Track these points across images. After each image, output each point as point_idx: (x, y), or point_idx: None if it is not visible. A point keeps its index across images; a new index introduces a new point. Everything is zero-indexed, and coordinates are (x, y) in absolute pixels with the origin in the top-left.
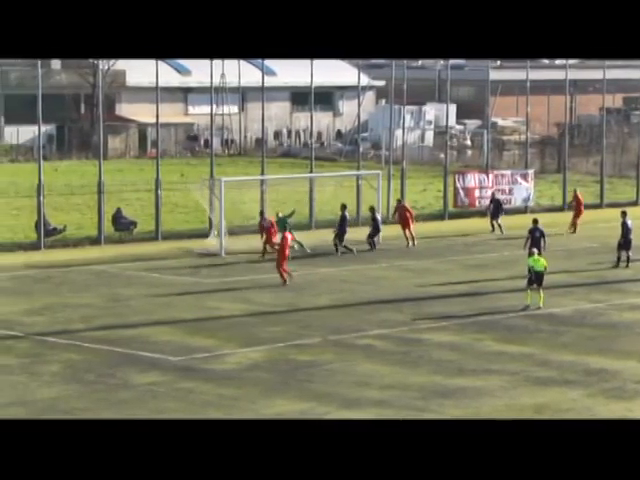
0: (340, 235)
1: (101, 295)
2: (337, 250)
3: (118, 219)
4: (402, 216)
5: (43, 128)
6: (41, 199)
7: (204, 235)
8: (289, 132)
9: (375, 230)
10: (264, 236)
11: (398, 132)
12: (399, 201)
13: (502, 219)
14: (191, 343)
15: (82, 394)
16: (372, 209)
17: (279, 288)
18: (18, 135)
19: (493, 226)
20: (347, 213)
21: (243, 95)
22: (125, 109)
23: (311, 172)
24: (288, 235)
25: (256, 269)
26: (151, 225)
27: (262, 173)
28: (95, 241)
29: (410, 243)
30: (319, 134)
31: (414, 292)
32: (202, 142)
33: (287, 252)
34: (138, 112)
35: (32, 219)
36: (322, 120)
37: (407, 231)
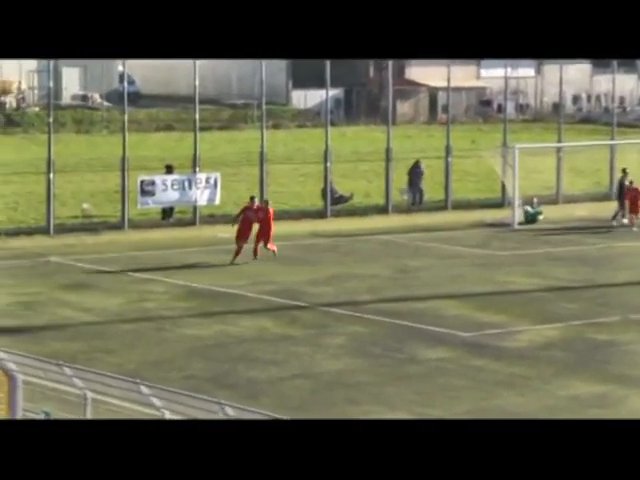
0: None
1: (388, 266)
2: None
3: (416, 173)
4: (634, 200)
5: (331, 92)
6: (328, 165)
7: (496, 205)
8: (589, 96)
9: None
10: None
11: None
12: (631, 183)
13: None
14: (481, 318)
15: (368, 368)
16: None
17: (574, 262)
18: (306, 99)
19: None
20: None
21: None
22: (415, 73)
23: (612, 139)
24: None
25: (551, 241)
26: (440, 194)
27: (559, 140)
28: (382, 210)
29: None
30: (621, 99)
31: None
32: (495, 107)
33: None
34: (428, 76)
35: (318, 186)
36: (625, 84)
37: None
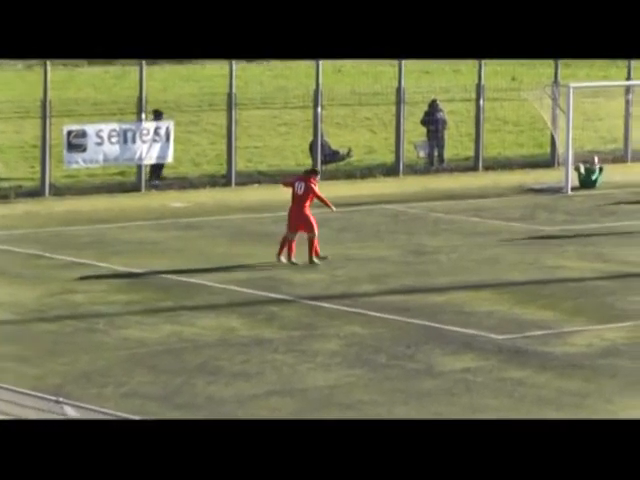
0: None
1: (398, 245)
2: None
3: (435, 120)
4: None
5: None
6: (318, 111)
7: (544, 164)
8: None
9: None
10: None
11: None
12: None
13: None
14: (522, 315)
15: (370, 382)
16: None
17: None
18: None
19: None
20: None
21: None
22: None
23: None
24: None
25: (616, 212)
26: (469, 149)
27: (628, 77)
28: (391, 171)
29: None
30: None
31: None
32: None
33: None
34: None
35: (306, 139)
36: None
37: None
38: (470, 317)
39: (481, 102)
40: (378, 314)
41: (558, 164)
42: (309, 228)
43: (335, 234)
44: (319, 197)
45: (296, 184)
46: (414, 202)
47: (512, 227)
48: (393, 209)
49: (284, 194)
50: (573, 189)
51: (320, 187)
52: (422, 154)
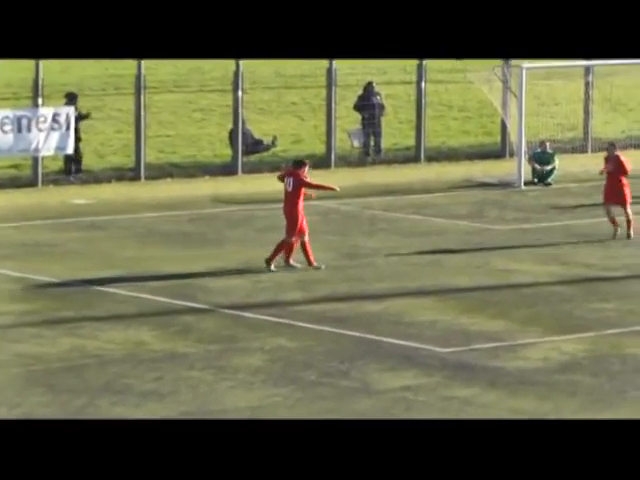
0: None
1: (329, 247)
2: None
3: (371, 105)
4: (615, 179)
5: None
6: (239, 96)
7: (493, 155)
8: None
9: None
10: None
11: None
12: (612, 145)
13: None
14: (469, 326)
15: (298, 402)
16: None
17: (610, 241)
18: None
19: None
20: None
21: None
22: None
23: None
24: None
25: (575, 210)
26: (409, 138)
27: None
28: (321, 162)
29: (623, 231)
30: None
31: None
32: None
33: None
34: None
35: (225, 127)
36: None
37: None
38: (410, 328)
39: (423, 85)
40: (307, 325)
41: (509, 155)
42: (297, 230)
43: (257, 234)
44: (313, 186)
45: (285, 180)
46: (347, 198)
47: (458, 226)
48: (323, 206)
49: (200, 189)
50: (526, 183)
51: (240, 181)
52: (356, 143)
